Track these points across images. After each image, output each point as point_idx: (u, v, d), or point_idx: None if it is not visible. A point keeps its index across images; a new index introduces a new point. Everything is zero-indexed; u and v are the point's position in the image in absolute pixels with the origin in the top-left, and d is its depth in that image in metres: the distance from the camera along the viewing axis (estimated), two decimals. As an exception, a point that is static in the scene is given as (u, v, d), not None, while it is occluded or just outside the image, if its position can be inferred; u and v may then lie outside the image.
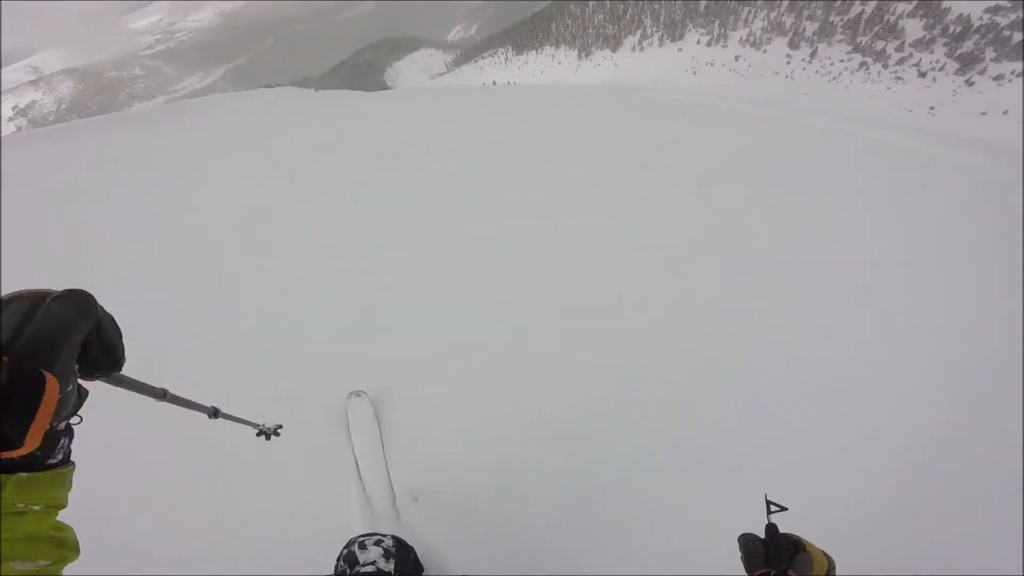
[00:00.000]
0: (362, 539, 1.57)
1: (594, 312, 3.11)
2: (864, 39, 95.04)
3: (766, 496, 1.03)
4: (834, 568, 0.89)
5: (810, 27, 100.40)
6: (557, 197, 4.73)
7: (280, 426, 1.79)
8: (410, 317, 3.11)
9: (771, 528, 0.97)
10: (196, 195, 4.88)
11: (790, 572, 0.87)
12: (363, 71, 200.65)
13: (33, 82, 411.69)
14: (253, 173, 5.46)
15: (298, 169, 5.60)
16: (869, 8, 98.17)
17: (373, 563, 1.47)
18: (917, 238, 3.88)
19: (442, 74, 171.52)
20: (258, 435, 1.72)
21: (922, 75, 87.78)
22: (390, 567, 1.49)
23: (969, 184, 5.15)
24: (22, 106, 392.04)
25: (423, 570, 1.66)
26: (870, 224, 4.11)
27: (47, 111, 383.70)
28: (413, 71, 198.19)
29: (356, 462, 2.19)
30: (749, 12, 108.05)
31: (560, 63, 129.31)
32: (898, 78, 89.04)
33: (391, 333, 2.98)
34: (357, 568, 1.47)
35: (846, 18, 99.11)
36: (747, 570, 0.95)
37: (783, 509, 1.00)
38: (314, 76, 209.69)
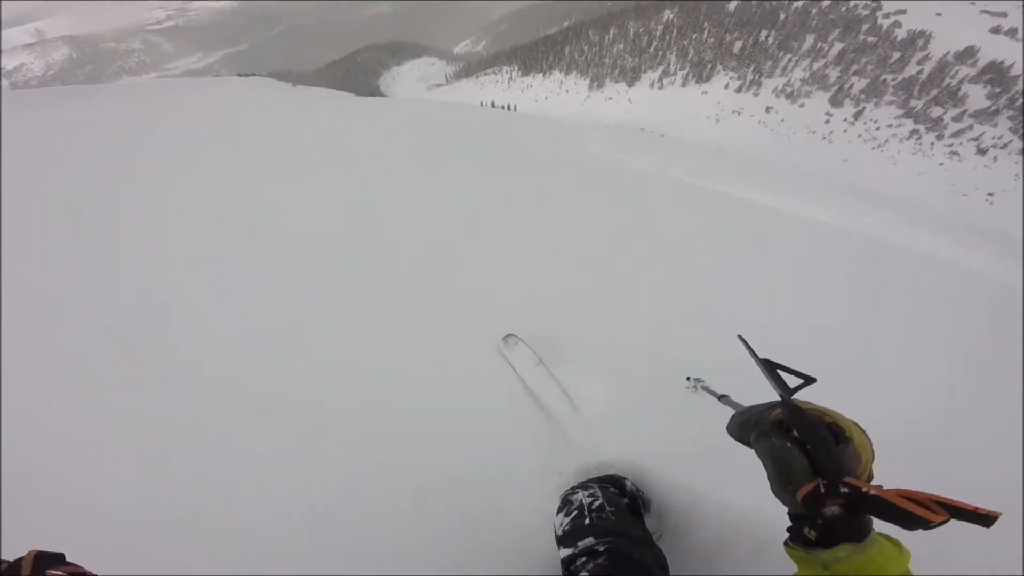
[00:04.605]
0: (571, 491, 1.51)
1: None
2: (918, 103, 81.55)
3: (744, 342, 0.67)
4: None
5: (858, 84, 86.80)
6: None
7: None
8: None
9: (792, 409, 0.63)
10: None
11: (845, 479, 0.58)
12: (358, 71, 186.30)
13: (29, 45, 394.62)
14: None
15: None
16: (928, 68, 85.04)
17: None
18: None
19: (440, 85, 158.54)
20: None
21: (982, 152, 74.21)
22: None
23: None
24: (9, 68, 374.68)
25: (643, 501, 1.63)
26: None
27: (31, 76, 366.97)
28: (411, 79, 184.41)
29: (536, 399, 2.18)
30: (790, 60, 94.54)
31: (568, 91, 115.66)
32: (953, 152, 75.30)
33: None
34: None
35: (899, 78, 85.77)
36: (781, 491, 0.62)
37: (806, 381, 0.66)
38: (308, 71, 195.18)
